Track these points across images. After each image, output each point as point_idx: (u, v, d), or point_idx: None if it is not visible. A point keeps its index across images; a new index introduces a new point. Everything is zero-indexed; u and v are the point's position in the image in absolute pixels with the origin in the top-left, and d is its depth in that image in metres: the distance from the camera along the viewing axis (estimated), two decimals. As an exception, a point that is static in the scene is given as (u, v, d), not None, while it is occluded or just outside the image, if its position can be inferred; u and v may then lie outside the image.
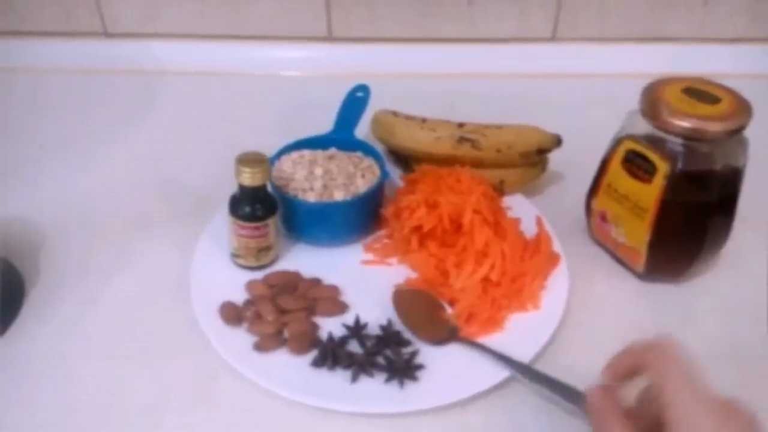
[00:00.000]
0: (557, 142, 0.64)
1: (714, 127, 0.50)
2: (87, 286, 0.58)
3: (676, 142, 0.52)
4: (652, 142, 0.53)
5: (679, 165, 0.52)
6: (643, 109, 0.53)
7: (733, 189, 0.54)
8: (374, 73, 0.77)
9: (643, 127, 0.53)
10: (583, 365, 0.51)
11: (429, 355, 0.51)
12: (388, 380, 0.49)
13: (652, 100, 0.52)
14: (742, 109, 0.51)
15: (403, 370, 0.50)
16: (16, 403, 0.49)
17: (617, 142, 0.56)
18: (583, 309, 0.56)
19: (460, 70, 0.86)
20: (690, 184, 0.53)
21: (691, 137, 0.51)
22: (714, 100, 0.52)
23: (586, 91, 0.84)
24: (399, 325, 0.53)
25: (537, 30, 0.86)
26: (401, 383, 0.49)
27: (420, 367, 0.50)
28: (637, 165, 0.54)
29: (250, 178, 0.54)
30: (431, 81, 0.85)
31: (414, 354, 0.51)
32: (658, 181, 0.52)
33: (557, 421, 0.48)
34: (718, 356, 0.53)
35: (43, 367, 0.52)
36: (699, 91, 0.52)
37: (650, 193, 0.53)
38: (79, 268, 0.60)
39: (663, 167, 0.52)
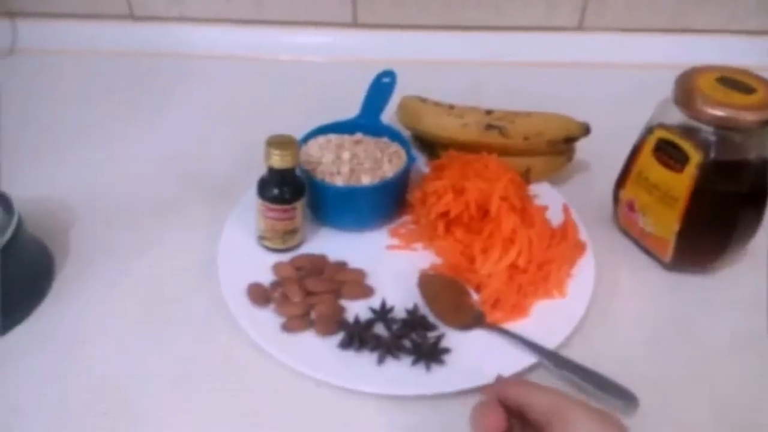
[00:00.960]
0: (585, 130, 0.64)
1: (748, 117, 0.50)
2: (115, 266, 0.59)
3: (709, 132, 0.51)
4: (685, 131, 0.53)
5: (712, 154, 0.51)
6: (677, 98, 0.52)
7: (765, 180, 0.53)
8: (399, 59, 0.76)
9: (675, 116, 0.53)
10: (609, 353, 0.51)
11: (455, 340, 0.51)
12: (414, 363, 0.50)
13: (686, 88, 0.52)
14: (777, 99, 0.51)
15: (430, 353, 0.50)
16: (45, 378, 0.50)
17: (648, 130, 0.56)
18: (609, 297, 0.56)
19: (486, 58, 0.85)
20: (722, 174, 0.52)
21: (724, 126, 0.50)
22: (749, 89, 0.51)
23: (612, 81, 0.83)
24: (424, 310, 0.54)
25: (564, 19, 0.86)
26: (428, 366, 0.49)
27: (446, 350, 0.50)
28: (668, 154, 0.54)
29: (279, 160, 0.54)
30: (456, 69, 0.85)
31: (440, 338, 0.51)
32: (690, 171, 0.52)
33: (583, 407, 0.48)
34: (745, 346, 0.52)
35: (71, 345, 0.52)
36: (733, 81, 0.52)
37: (681, 183, 0.53)
38: (108, 248, 0.60)
39: (695, 156, 0.52)
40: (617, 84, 0.82)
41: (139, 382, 0.50)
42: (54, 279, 0.57)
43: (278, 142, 0.55)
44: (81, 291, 0.56)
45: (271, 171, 0.56)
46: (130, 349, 0.52)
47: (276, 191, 0.56)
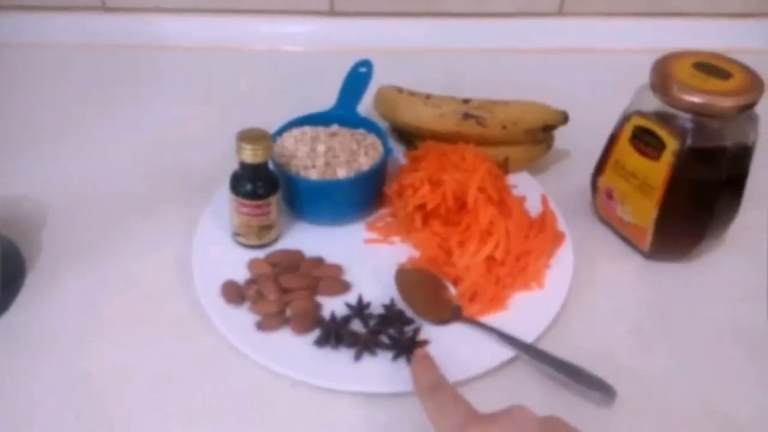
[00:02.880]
0: (564, 118, 0.63)
1: (724, 103, 0.49)
2: (88, 265, 0.57)
3: (685, 118, 0.51)
4: (661, 118, 0.52)
5: (689, 141, 0.51)
6: (653, 84, 0.52)
7: (743, 167, 0.53)
8: (377, 48, 0.75)
9: (652, 102, 0.52)
10: (587, 344, 0.51)
11: (432, 334, 0.51)
12: (395, 358, 0.49)
13: (662, 74, 0.51)
14: (754, 84, 0.50)
15: (409, 346, 0.49)
16: (17, 381, 0.49)
17: (625, 118, 0.55)
18: (588, 288, 0.55)
19: (466, 45, 0.84)
20: (699, 162, 0.52)
21: (700, 113, 0.50)
22: (725, 75, 0.51)
23: (593, 66, 0.82)
24: (402, 304, 0.53)
25: (544, 4, 0.85)
26: (408, 360, 0.49)
27: (425, 342, 0.50)
28: (645, 142, 0.53)
29: (251, 155, 0.53)
30: (436, 56, 0.83)
31: (417, 330, 0.51)
32: (667, 158, 0.51)
33: (561, 400, 0.48)
34: (723, 336, 0.52)
35: (43, 347, 0.51)
36: (710, 66, 0.51)
37: (658, 171, 0.52)
38: (80, 247, 0.59)
39: (672, 144, 0.51)
40: (598, 69, 0.82)
41: (114, 383, 0.49)
42: (25, 280, 0.56)
43: (250, 136, 0.54)
44: (53, 292, 0.55)
45: (244, 166, 0.55)
46: (103, 350, 0.51)
47: (249, 186, 0.55)
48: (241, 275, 0.55)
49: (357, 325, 0.52)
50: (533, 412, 0.38)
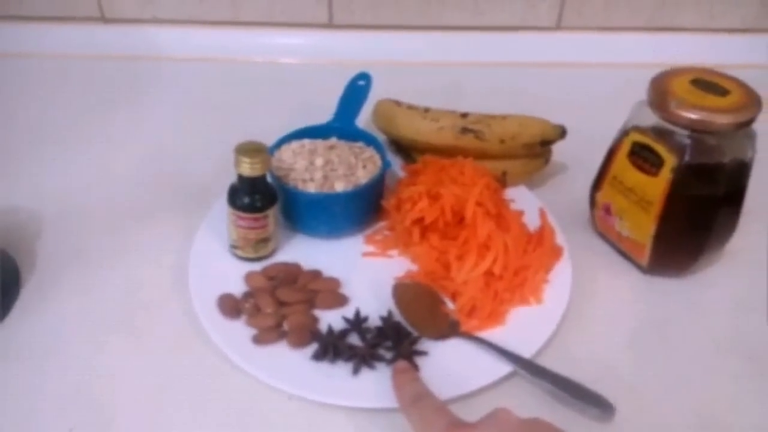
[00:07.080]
0: (562, 133, 0.63)
1: (722, 120, 0.49)
2: (84, 277, 0.57)
3: (683, 135, 0.51)
4: (659, 134, 0.52)
5: (687, 158, 0.51)
6: (651, 100, 0.52)
7: (741, 183, 0.53)
8: (376, 61, 0.76)
9: (650, 118, 0.52)
10: (586, 360, 0.51)
11: (430, 349, 0.51)
12: (390, 363, 0.49)
13: (660, 91, 0.51)
14: (751, 101, 0.50)
15: (407, 357, 0.49)
16: (12, 392, 0.49)
17: (623, 133, 0.55)
18: (586, 303, 0.55)
19: (464, 58, 0.85)
20: (697, 178, 0.52)
21: (698, 129, 0.50)
22: (723, 91, 0.51)
23: (591, 81, 0.83)
24: (399, 318, 0.53)
25: (542, 18, 0.85)
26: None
27: (424, 353, 0.50)
28: (643, 157, 0.53)
29: (249, 168, 0.53)
30: (434, 70, 0.84)
31: (416, 340, 0.51)
32: (665, 174, 0.51)
33: (559, 416, 0.47)
34: (723, 351, 0.52)
35: (40, 358, 0.51)
36: (707, 83, 0.51)
37: (656, 186, 0.52)
38: (76, 258, 0.59)
39: (670, 160, 0.51)
40: (596, 84, 0.82)
41: (108, 396, 0.48)
42: (20, 291, 0.56)
43: (248, 150, 0.54)
44: (48, 303, 0.55)
45: (242, 179, 0.55)
46: (99, 362, 0.51)
47: (247, 199, 0.55)
48: (237, 288, 0.55)
49: (354, 339, 0.51)
50: (515, 415, 0.39)
